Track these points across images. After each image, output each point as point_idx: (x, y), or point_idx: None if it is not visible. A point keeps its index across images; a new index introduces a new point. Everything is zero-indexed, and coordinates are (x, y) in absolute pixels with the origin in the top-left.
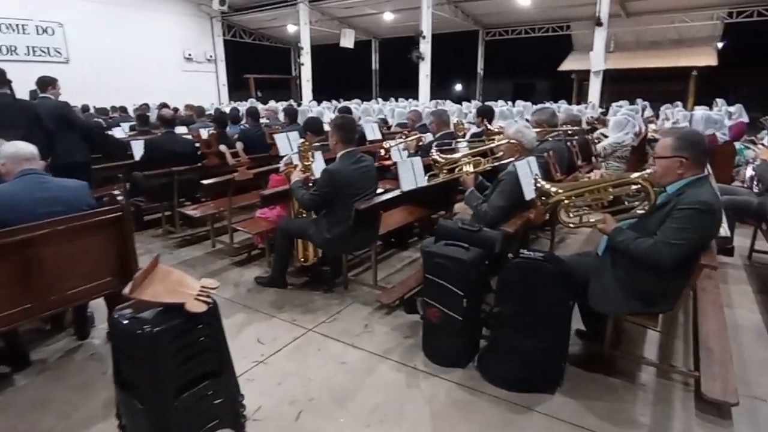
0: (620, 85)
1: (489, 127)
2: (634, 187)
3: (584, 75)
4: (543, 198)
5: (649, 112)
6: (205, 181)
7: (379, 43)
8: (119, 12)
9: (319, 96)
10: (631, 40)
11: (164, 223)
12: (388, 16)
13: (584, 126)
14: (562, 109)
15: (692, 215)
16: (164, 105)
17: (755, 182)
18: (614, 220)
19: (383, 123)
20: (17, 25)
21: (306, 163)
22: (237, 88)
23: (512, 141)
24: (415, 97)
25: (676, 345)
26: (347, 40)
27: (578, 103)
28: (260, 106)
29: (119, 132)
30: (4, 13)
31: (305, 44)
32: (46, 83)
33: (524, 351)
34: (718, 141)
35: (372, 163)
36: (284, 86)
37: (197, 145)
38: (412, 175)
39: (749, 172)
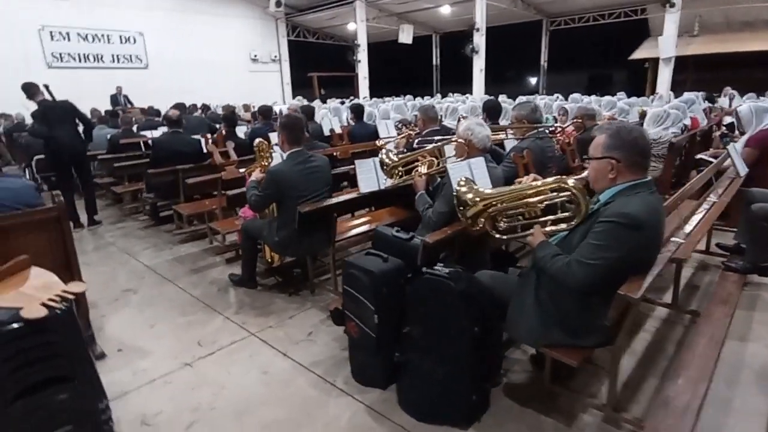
0: (706, 72)
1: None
2: (563, 194)
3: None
4: (461, 208)
5: (738, 102)
6: (189, 180)
7: (439, 38)
8: (192, 20)
9: (380, 93)
10: (719, 21)
11: (176, 219)
12: (446, 9)
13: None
14: (608, 103)
15: (611, 230)
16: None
17: None
18: (542, 233)
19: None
20: (103, 35)
21: (264, 163)
22: (300, 87)
23: (460, 140)
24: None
25: (648, 384)
26: (405, 36)
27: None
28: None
29: (155, 134)
30: (93, 25)
31: (362, 41)
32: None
33: (433, 377)
34: None
35: (324, 164)
36: (347, 83)
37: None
38: (374, 176)
39: None
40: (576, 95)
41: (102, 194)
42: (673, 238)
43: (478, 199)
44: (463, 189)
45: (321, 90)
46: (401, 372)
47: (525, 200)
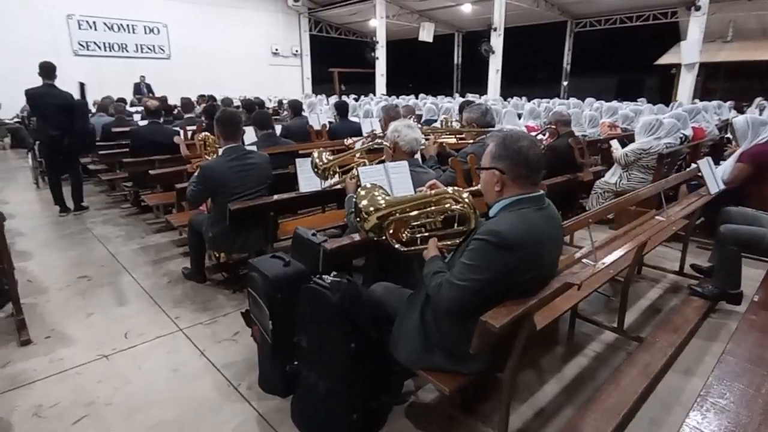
0: (739, 80)
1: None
2: (458, 206)
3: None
4: (358, 219)
5: None
6: (152, 171)
7: (462, 37)
8: (215, 12)
9: (399, 90)
10: (754, 27)
11: (154, 209)
12: (467, 8)
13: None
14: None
15: (481, 248)
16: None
17: None
18: (437, 247)
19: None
20: (128, 25)
21: (207, 158)
22: (321, 82)
23: (385, 143)
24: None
25: (564, 414)
26: (426, 34)
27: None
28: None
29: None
30: (118, 14)
31: (381, 38)
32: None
33: (317, 391)
34: None
35: (262, 162)
36: (369, 80)
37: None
38: (316, 175)
39: None
40: (590, 100)
41: (99, 181)
42: (585, 260)
43: (372, 209)
44: (362, 194)
45: (341, 86)
46: (295, 382)
47: (424, 210)
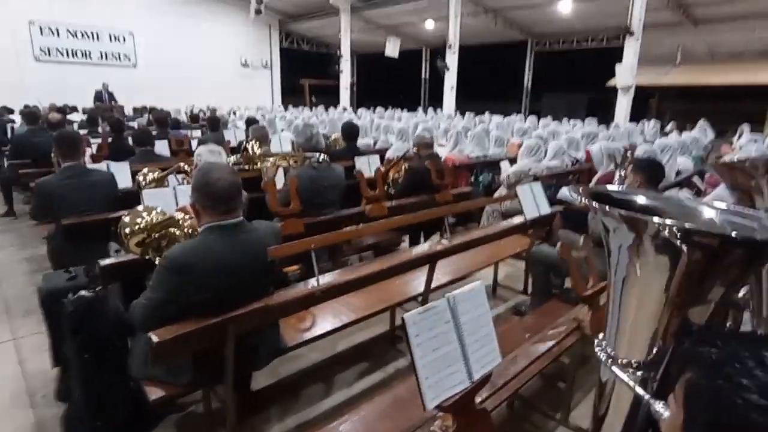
0: (688, 103)
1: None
2: (177, 231)
3: (647, 91)
4: (124, 241)
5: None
6: (32, 184)
7: (430, 52)
8: (184, 22)
9: (367, 103)
10: (702, 52)
11: None
12: (430, 24)
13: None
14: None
15: (158, 271)
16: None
17: None
18: None
19: None
20: (92, 33)
21: None
22: (291, 93)
23: (187, 167)
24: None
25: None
26: (392, 49)
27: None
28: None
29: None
30: (82, 21)
31: (345, 51)
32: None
33: (75, 399)
34: None
35: (103, 180)
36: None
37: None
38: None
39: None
40: (544, 121)
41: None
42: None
43: (127, 230)
44: (128, 217)
45: (312, 97)
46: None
47: (168, 230)
